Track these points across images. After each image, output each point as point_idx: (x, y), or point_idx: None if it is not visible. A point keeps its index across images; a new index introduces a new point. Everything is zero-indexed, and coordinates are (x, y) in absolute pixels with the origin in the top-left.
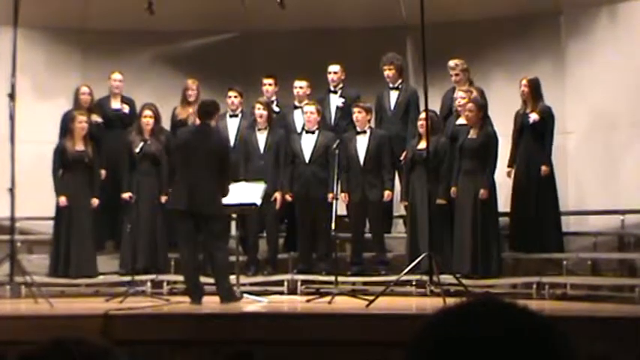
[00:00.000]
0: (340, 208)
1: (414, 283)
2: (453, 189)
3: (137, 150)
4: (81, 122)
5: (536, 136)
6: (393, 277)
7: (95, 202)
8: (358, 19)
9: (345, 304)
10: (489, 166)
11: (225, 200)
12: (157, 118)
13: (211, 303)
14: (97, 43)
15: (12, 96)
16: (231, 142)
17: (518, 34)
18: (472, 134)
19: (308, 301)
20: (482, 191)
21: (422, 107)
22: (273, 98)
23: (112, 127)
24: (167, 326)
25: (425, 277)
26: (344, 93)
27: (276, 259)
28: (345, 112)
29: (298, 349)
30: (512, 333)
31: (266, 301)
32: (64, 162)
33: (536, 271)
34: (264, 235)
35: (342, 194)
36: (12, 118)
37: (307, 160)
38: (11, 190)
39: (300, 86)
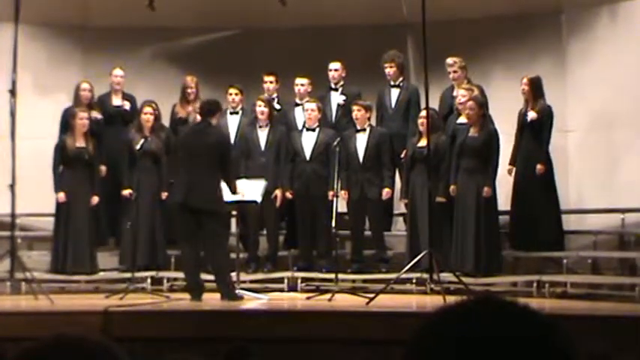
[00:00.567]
0: (340, 205)
1: (414, 280)
2: (453, 187)
3: (138, 147)
4: (82, 119)
5: (535, 134)
6: (393, 275)
7: (95, 199)
8: (359, 16)
9: (345, 301)
10: (492, 164)
11: (225, 197)
12: (157, 115)
13: (211, 300)
14: (98, 40)
15: (13, 92)
16: (232, 140)
17: (519, 33)
18: (473, 132)
19: (308, 298)
20: (485, 189)
21: (422, 105)
22: (274, 96)
23: (112, 124)
24: (167, 323)
25: (425, 275)
26: (345, 90)
27: (277, 256)
28: (345, 109)
29: (298, 346)
30: (514, 332)
31: (266, 299)
32: (64, 158)
33: (536, 270)
34: (265, 232)
35: (343, 192)
36: (13, 114)
37: (308, 158)
38: (12, 187)
39: (302, 84)
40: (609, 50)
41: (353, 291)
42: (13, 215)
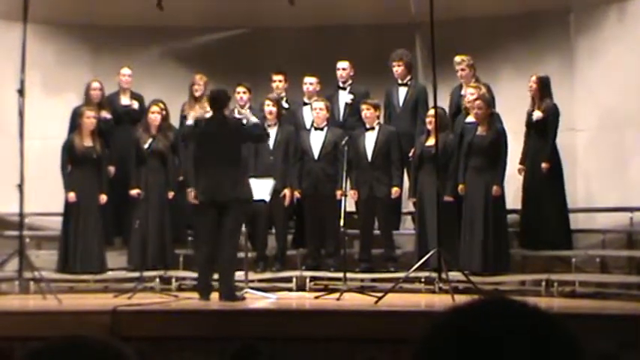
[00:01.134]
0: (349, 204)
1: (422, 279)
2: (461, 186)
3: (146, 146)
4: (89, 117)
5: (541, 133)
6: (402, 274)
7: (103, 198)
8: (367, 15)
9: (353, 300)
10: (500, 163)
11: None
12: (164, 114)
13: (217, 299)
14: (107, 39)
15: (21, 92)
16: None
17: (527, 32)
18: (481, 131)
19: (316, 297)
20: (495, 188)
21: (431, 104)
22: (283, 95)
23: (121, 123)
24: (175, 322)
25: (433, 274)
26: (353, 89)
27: (285, 255)
28: (353, 108)
29: (307, 345)
30: (522, 332)
31: (274, 298)
32: (72, 158)
33: (544, 269)
34: (273, 231)
35: (351, 191)
36: (21, 113)
37: (316, 157)
38: (20, 186)
39: (310, 82)
40: (618, 49)
41: (361, 290)
42: (21, 214)
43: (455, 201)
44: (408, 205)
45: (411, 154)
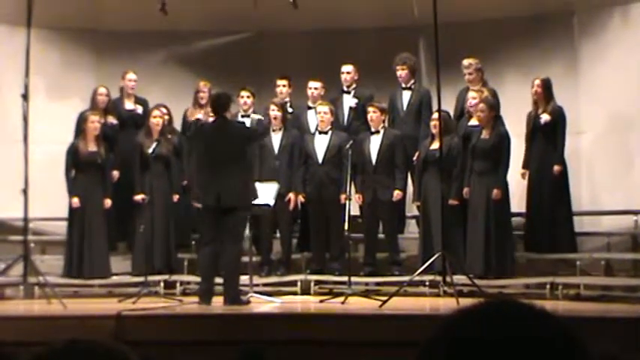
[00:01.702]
0: (353, 208)
1: (427, 283)
2: (466, 189)
3: (150, 151)
4: (93, 122)
5: (548, 136)
6: (406, 278)
7: (108, 202)
8: (371, 19)
9: (358, 304)
10: (502, 167)
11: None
12: (166, 118)
13: (221, 304)
14: (111, 44)
15: (25, 96)
16: None
17: (530, 35)
18: (484, 135)
19: (321, 301)
20: (495, 191)
21: (434, 107)
22: (287, 100)
23: (125, 128)
24: (180, 327)
25: (438, 278)
26: (357, 93)
27: (290, 259)
28: (358, 112)
29: (311, 349)
30: (528, 335)
31: (279, 302)
32: (76, 163)
33: (549, 272)
34: (278, 235)
35: (356, 195)
36: (25, 118)
37: (320, 161)
38: (25, 191)
39: (315, 87)
40: (622, 51)
41: (366, 294)
42: (26, 219)
43: (459, 204)
44: (413, 209)
45: (415, 158)
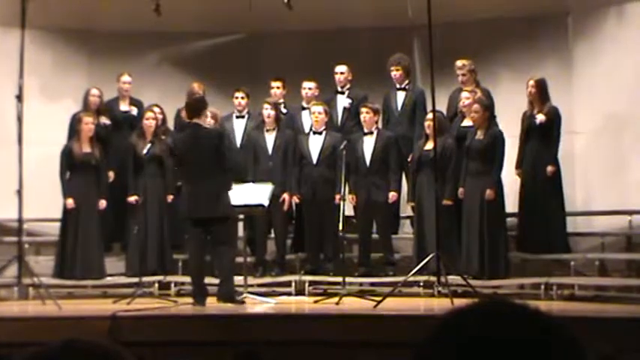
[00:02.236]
0: (348, 209)
1: (421, 283)
2: (461, 190)
3: (144, 152)
4: (87, 124)
5: (543, 137)
6: (401, 278)
7: (102, 203)
8: (365, 19)
9: (352, 304)
10: (496, 167)
11: (233, 201)
12: (159, 119)
13: (216, 304)
14: (104, 45)
15: (19, 97)
16: (238, 143)
17: (525, 35)
18: (479, 135)
19: (316, 302)
20: (488, 192)
21: (429, 108)
22: (281, 101)
23: (120, 129)
24: (175, 328)
25: (432, 278)
26: (351, 94)
27: (284, 260)
28: (352, 112)
29: (306, 349)
30: (522, 335)
31: (274, 302)
32: (71, 164)
33: (543, 272)
34: (272, 236)
35: (350, 195)
36: (19, 119)
37: (315, 161)
38: (19, 192)
39: (309, 87)
40: (616, 52)
41: (360, 294)
42: (20, 220)
43: (454, 204)
44: (407, 209)
45: (409, 159)
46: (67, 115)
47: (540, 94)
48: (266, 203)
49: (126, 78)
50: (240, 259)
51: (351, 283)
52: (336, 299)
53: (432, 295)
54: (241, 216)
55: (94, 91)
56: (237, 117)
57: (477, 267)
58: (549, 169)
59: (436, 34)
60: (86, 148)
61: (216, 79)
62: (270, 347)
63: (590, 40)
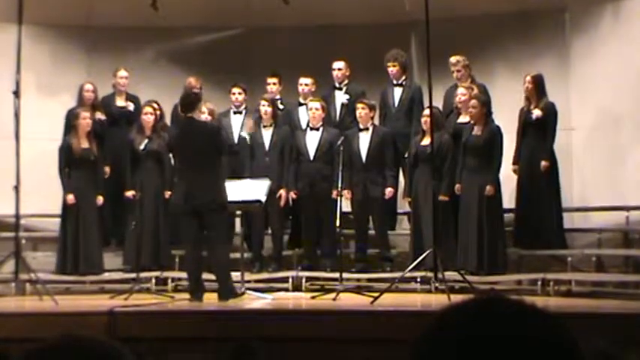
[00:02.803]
0: (345, 205)
1: (418, 279)
2: (458, 185)
3: (142, 147)
4: (85, 119)
5: (539, 132)
6: (398, 274)
7: (100, 199)
8: (362, 15)
9: (349, 300)
10: (494, 163)
11: (230, 197)
12: (157, 114)
13: (214, 300)
14: (102, 40)
15: (17, 93)
16: (235, 139)
17: (522, 31)
18: (476, 131)
19: (313, 297)
20: (488, 187)
21: (426, 104)
22: (278, 97)
23: (117, 125)
24: (172, 323)
25: (429, 274)
26: (349, 90)
27: (281, 255)
28: (349, 108)
29: (303, 345)
30: (520, 331)
31: (271, 298)
32: (69, 160)
33: (541, 268)
34: (269, 232)
35: (346, 191)
36: (17, 115)
37: (312, 157)
38: (16, 188)
39: (306, 83)
40: (613, 48)
41: (357, 290)
42: (17, 216)
43: (450, 200)
44: (404, 205)
45: (406, 155)
46: (63, 111)
47: (537, 89)
48: (263, 199)
49: (122, 73)
50: (237, 255)
51: (348, 279)
52: (333, 295)
53: (429, 291)
54: (238, 212)
55: (88, 87)
56: (235, 112)
57: (474, 263)
58: (544, 164)
59: (433, 30)
60: (84, 144)
61: (213, 75)
62: (267, 343)
63: (587, 36)
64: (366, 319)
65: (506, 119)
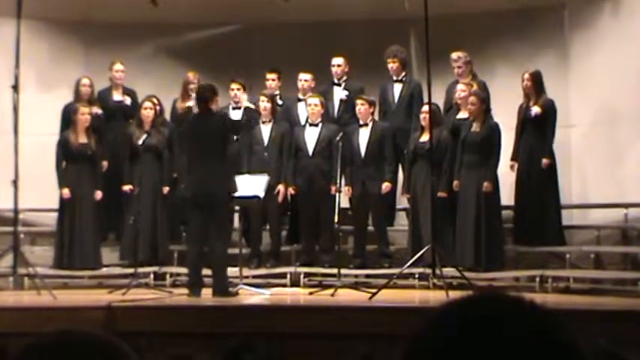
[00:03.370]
0: (343, 200)
1: (416, 275)
2: (456, 182)
3: (140, 142)
4: (83, 114)
5: (538, 129)
6: (396, 270)
7: (99, 194)
8: (362, 11)
9: (347, 296)
10: (492, 160)
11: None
12: (157, 110)
13: (211, 295)
14: (100, 35)
15: (15, 88)
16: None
17: (521, 27)
18: (475, 128)
19: (311, 293)
20: (485, 184)
21: (425, 100)
22: (277, 93)
23: (113, 119)
24: (170, 318)
25: (428, 270)
26: (348, 86)
27: (279, 251)
28: (348, 104)
29: (301, 341)
30: (517, 328)
31: (269, 294)
32: (67, 154)
33: (539, 265)
34: (267, 227)
35: (345, 187)
36: (15, 109)
37: (310, 153)
38: (14, 182)
39: (305, 79)
40: (612, 44)
41: (355, 286)
42: (15, 211)
43: (449, 197)
44: (402, 201)
45: (405, 151)
46: (62, 106)
47: (536, 86)
48: (262, 195)
49: (118, 66)
50: (235, 251)
51: (346, 275)
52: (331, 291)
53: (428, 288)
54: (237, 207)
55: (85, 81)
56: (234, 108)
57: (473, 259)
58: (544, 161)
59: (432, 27)
60: (82, 139)
61: (211, 71)
62: (265, 338)
63: (586, 33)
64: (364, 315)
65: (505, 115)
